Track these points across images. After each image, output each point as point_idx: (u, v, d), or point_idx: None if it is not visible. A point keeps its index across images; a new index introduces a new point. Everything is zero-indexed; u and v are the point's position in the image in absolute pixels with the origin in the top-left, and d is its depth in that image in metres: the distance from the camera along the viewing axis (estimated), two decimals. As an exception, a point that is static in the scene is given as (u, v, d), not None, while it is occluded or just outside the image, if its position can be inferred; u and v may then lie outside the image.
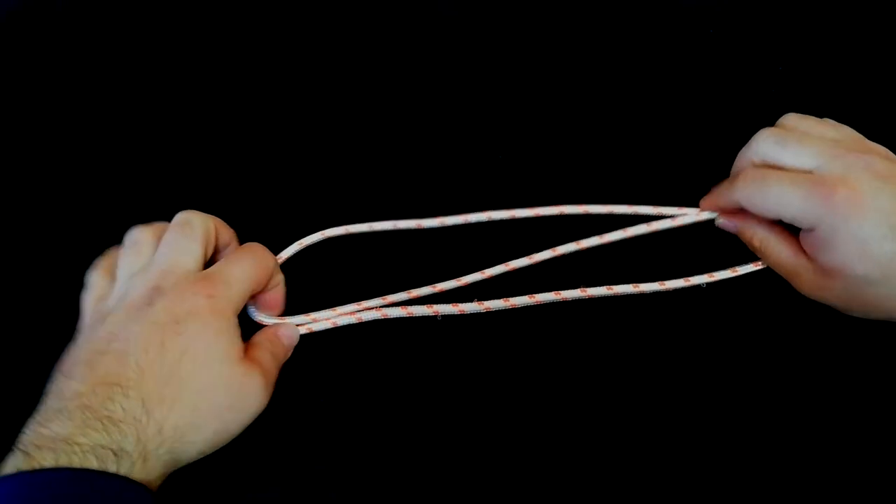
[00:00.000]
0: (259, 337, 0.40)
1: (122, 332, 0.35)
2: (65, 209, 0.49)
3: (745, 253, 0.44)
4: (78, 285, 0.40)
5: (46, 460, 0.31)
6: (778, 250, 0.39)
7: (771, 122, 0.51)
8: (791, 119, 0.41)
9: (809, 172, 0.37)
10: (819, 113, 0.51)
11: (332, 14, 0.57)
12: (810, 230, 0.36)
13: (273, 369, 0.39)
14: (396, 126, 0.52)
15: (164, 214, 0.48)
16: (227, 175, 0.50)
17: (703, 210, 0.42)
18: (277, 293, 0.42)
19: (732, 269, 0.44)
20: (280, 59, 0.55)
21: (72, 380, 0.34)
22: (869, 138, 0.50)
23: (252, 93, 0.53)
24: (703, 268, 0.44)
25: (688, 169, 0.49)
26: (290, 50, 0.55)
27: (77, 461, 0.31)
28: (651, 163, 0.50)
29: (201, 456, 0.36)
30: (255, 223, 0.45)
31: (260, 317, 0.42)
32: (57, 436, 0.32)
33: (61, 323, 0.40)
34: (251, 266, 0.39)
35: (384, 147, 0.51)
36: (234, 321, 0.37)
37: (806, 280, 0.38)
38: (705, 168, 0.49)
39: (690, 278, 0.44)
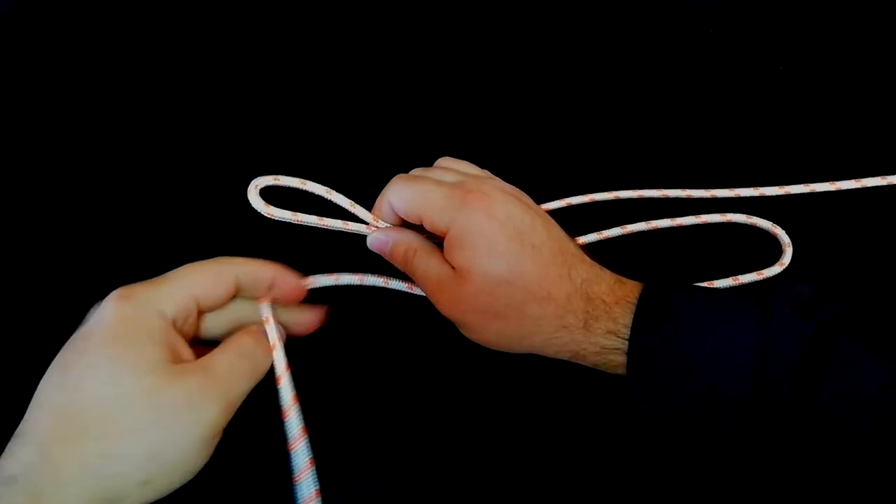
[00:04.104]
0: (235, 336, 0.36)
1: (47, 373, 0.32)
2: (64, 209, 0.48)
3: (769, 257, 0.44)
4: (71, 288, 0.40)
5: None
6: (426, 260, 0.39)
7: (771, 121, 0.51)
8: (443, 160, 0.43)
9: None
10: (819, 113, 0.51)
11: (333, 15, 0.57)
12: (447, 231, 0.37)
13: (231, 373, 0.34)
14: (397, 127, 0.52)
15: (162, 215, 0.48)
16: (227, 174, 0.50)
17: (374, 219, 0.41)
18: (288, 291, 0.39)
19: (758, 272, 0.44)
20: (280, 61, 0.55)
21: (15, 436, 0.31)
22: (868, 138, 0.50)
23: (252, 95, 0.53)
24: (727, 271, 0.45)
25: (687, 168, 0.49)
26: (289, 52, 0.55)
27: None
28: (651, 163, 0.50)
29: (158, 489, 0.31)
30: (252, 224, 0.45)
31: (269, 210, 0.40)
32: None
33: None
34: (194, 271, 0.36)
35: (385, 148, 0.51)
36: (155, 324, 0.33)
37: (446, 290, 0.38)
38: (705, 168, 0.49)
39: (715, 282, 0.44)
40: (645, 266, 0.45)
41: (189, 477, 0.32)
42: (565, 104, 0.52)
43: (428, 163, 0.43)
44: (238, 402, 0.34)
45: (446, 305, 0.38)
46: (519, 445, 0.41)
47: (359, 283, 0.42)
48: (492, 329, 0.38)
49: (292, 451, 0.35)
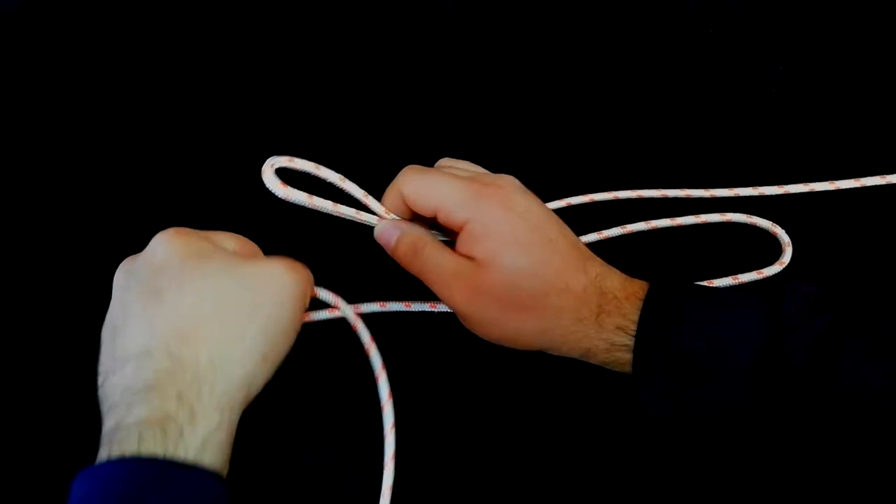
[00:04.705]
0: None
1: (121, 309, 0.35)
2: (63, 209, 0.49)
3: (768, 256, 0.44)
4: (69, 283, 0.40)
5: (101, 457, 0.31)
6: (439, 251, 0.38)
7: (771, 122, 0.51)
8: (444, 161, 0.43)
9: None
10: (819, 113, 0.51)
11: (333, 10, 0.57)
12: (464, 225, 0.37)
13: (298, 264, 0.38)
14: (397, 125, 0.52)
15: (161, 216, 0.47)
16: (229, 175, 0.50)
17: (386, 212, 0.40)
18: None
19: (758, 271, 0.44)
20: (280, 56, 0.55)
21: (110, 376, 0.34)
22: (868, 138, 0.50)
23: (252, 93, 0.53)
24: (727, 270, 0.45)
25: (687, 168, 0.49)
26: (290, 47, 0.55)
27: (116, 449, 0.31)
28: (651, 163, 0.50)
29: (271, 365, 0.35)
30: (255, 226, 0.45)
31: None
32: (110, 428, 0.32)
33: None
34: (236, 235, 0.39)
35: (384, 148, 0.51)
36: (217, 249, 0.37)
37: (466, 282, 0.37)
38: (705, 168, 0.50)
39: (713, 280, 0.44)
40: (645, 266, 0.45)
41: (288, 349, 0.37)
42: (565, 104, 0.52)
43: (427, 161, 0.43)
44: (310, 294, 0.39)
45: (464, 298, 0.37)
46: (521, 445, 0.41)
47: (405, 309, 0.43)
48: (512, 323, 0.37)
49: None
